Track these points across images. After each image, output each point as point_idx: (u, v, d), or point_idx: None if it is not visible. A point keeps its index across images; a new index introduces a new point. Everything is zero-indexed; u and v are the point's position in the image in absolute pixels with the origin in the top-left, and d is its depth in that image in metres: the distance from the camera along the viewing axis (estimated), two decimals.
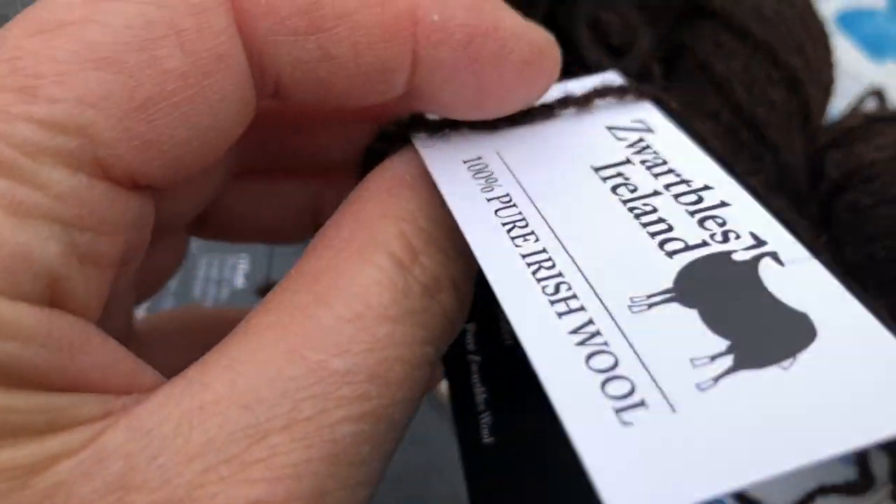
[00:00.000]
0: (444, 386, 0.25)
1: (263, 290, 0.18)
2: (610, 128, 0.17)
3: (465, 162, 0.16)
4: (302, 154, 0.19)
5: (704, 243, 0.14)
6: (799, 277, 0.14)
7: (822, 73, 0.28)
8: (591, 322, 0.13)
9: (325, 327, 0.13)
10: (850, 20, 0.47)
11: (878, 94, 0.31)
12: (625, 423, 0.12)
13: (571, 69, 0.31)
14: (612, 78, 0.18)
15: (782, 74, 0.27)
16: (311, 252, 0.14)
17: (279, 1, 0.13)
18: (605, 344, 0.13)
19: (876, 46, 0.45)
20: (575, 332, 0.13)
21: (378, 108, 0.16)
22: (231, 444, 0.12)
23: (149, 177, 0.13)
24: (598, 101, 0.17)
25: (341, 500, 0.12)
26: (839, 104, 0.38)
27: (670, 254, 0.14)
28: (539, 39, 0.15)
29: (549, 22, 0.30)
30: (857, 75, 0.43)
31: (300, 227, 0.20)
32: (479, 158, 0.16)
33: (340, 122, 0.18)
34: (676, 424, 0.12)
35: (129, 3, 0.12)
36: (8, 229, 0.11)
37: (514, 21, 0.15)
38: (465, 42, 0.14)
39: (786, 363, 0.12)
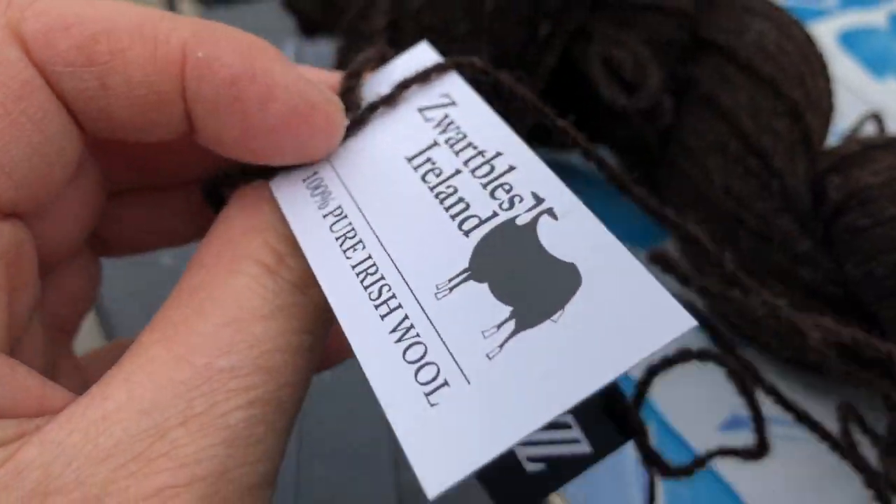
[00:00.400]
0: None
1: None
2: (421, 109, 0.18)
3: (304, 180, 0.17)
4: (178, 166, 0.20)
5: (495, 214, 0.16)
6: (570, 228, 0.15)
7: (822, 102, 0.30)
8: (406, 318, 0.15)
9: (205, 334, 0.14)
10: (851, 39, 0.48)
11: (877, 117, 0.33)
12: (433, 405, 0.13)
13: (587, 107, 0.33)
14: (422, 51, 0.19)
15: (785, 106, 0.29)
16: (187, 273, 0.16)
17: (57, 35, 0.14)
18: (417, 335, 0.14)
19: (877, 64, 0.47)
20: (394, 330, 0.15)
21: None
22: (136, 444, 0.13)
23: (8, 201, 0.14)
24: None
25: (242, 476, 0.14)
26: (843, 122, 0.40)
27: (467, 232, 0.16)
28: (312, 94, 0.16)
29: (564, 62, 0.32)
30: (859, 93, 0.45)
31: (201, 226, 0.20)
32: (316, 174, 0.18)
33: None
34: (471, 395, 0.13)
35: None
36: None
37: (288, 73, 0.16)
38: (229, 82, 0.15)
39: (556, 315, 0.14)
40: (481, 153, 0.17)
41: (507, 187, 0.16)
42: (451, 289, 0.15)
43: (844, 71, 0.46)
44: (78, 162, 0.16)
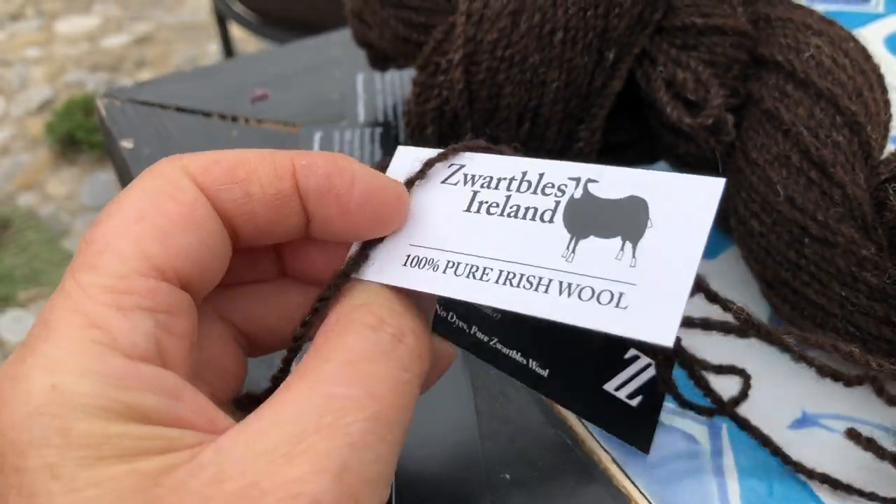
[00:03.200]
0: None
1: (238, 399, 0.25)
2: (443, 181, 0.24)
3: (403, 265, 0.23)
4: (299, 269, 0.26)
5: (557, 202, 0.22)
6: (610, 180, 0.22)
7: (880, 113, 0.31)
8: (560, 282, 0.21)
9: (329, 372, 0.20)
10: None
11: None
12: (624, 307, 0.20)
13: (650, 125, 0.35)
14: (405, 151, 0.26)
15: (844, 118, 0.30)
16: (315, 338, 0.22)
17: (211, 166, 0.22)
18: (579, 285, 0.21)
19: None
20: (561, 293, 0.21)
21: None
22: (283, 446, 0.18)
23: (185, 274, 0.21)
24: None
25: (361, 471, 0.19)
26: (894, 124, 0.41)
27: (551, 220, 0.22)
28: (381, 178, 0.23)
29: (629, 86, 0.34)
30: None
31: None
32: (409, 256, 0.23)
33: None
34: (641, 288, 0.20)
35: (138, 193, 0.21)
36: (121, 319, 0.19)
37: (363, 168, 0.23)
38: (324, 175, 0.22)
39: (649, 223, 0.21)
40: (512, 179, 0.23)
41: (550, 184, 0.23)
42: (573, 251, 0.21)
43: (891, 73, 0.47)
44: (228, 264, 0.23)
